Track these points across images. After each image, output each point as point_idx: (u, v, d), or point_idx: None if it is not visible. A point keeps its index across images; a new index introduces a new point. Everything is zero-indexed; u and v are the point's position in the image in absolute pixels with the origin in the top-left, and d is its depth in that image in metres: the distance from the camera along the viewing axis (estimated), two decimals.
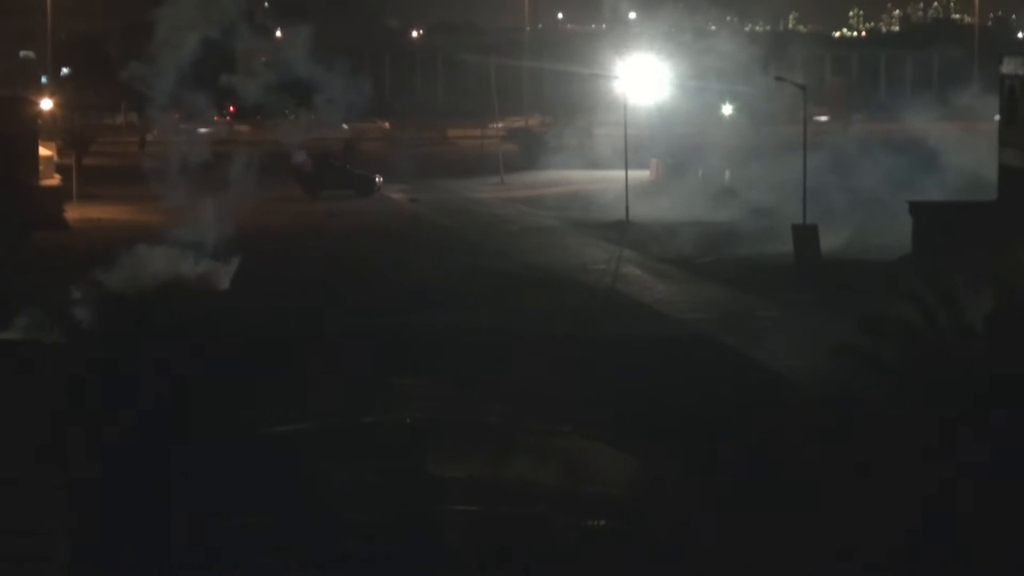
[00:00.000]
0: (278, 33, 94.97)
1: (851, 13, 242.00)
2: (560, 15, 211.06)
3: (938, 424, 25.22)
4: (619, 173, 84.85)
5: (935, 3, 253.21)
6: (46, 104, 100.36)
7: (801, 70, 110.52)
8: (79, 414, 36.30)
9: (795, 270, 61.72)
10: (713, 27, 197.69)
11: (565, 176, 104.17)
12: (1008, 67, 64.32)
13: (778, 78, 77.21)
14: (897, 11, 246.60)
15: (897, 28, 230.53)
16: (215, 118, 76.49)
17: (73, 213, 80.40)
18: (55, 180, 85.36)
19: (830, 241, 65.02)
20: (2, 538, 28.62)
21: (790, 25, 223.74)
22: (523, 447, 35.19)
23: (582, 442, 35.69)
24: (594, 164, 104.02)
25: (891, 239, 63.73)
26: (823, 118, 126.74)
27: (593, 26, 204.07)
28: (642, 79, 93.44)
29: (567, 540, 29.04)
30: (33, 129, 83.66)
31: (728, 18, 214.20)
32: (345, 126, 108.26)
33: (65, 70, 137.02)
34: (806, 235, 63.66)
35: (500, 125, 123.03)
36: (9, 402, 37.41)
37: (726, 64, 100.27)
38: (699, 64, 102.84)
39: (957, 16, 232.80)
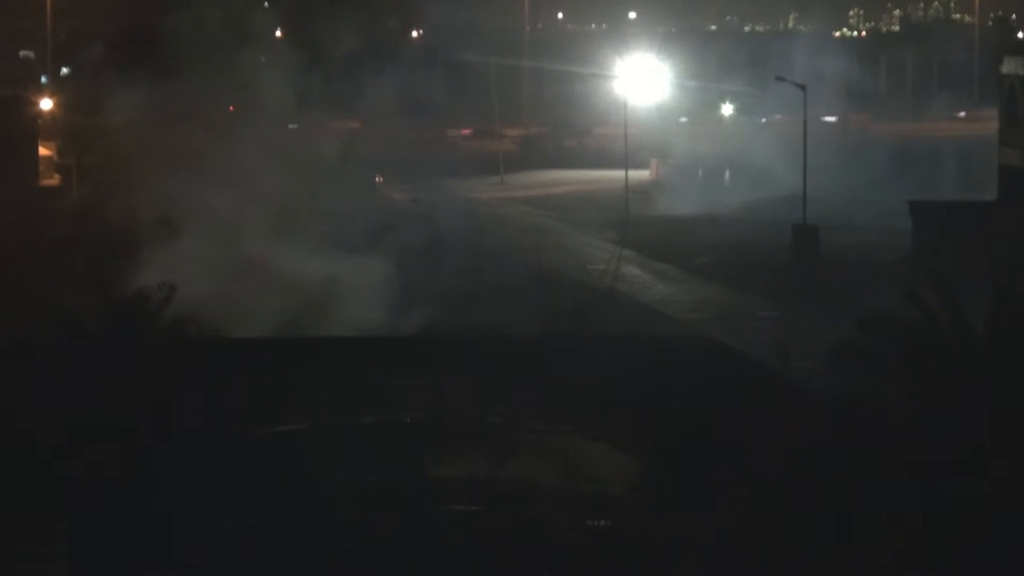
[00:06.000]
0: (277, 33, 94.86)
1: (851, 13, 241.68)
2: (560, 15, 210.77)
3: (938, 424, 25.22)
4: (619, 173, 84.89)
5: (935, 3, 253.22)
6: (46, 104, 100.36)
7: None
8: (78, 413, 36.28)
9: (795, 270, 61.75)
10: (713, 27, 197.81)
11: (565, 176, 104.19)
12: (1008, 67, 64.35)
13: (778, 78, 77.09)
14: (897, 11, 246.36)
15: (897, 28, 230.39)
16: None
17: None
18: (55, 180, 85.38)
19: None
20: (3, 538, 28.62)
21: (790, 25, 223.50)
22: (523, 447, 35.19)
23: (582, 442, 35.68)
24: (594, 164, 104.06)
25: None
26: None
27: (593, 26, 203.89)
28: (645, 79, 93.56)
29: (567, 540, 29.04)
30: (33, 129, 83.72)
31: (728, 17, 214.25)
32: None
33: (65, 70, 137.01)
34: (806, 235, 63.69)
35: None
36: (9, 402, 37.39)
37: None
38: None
39: (957, 16, 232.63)
